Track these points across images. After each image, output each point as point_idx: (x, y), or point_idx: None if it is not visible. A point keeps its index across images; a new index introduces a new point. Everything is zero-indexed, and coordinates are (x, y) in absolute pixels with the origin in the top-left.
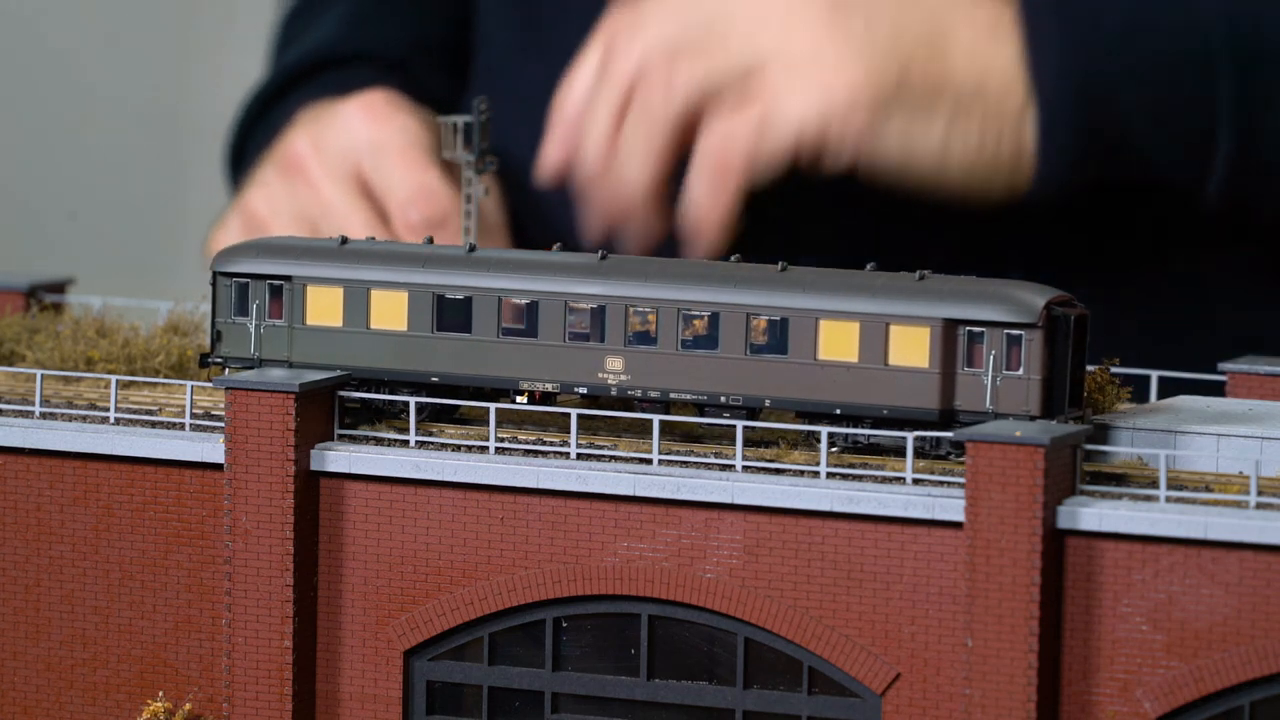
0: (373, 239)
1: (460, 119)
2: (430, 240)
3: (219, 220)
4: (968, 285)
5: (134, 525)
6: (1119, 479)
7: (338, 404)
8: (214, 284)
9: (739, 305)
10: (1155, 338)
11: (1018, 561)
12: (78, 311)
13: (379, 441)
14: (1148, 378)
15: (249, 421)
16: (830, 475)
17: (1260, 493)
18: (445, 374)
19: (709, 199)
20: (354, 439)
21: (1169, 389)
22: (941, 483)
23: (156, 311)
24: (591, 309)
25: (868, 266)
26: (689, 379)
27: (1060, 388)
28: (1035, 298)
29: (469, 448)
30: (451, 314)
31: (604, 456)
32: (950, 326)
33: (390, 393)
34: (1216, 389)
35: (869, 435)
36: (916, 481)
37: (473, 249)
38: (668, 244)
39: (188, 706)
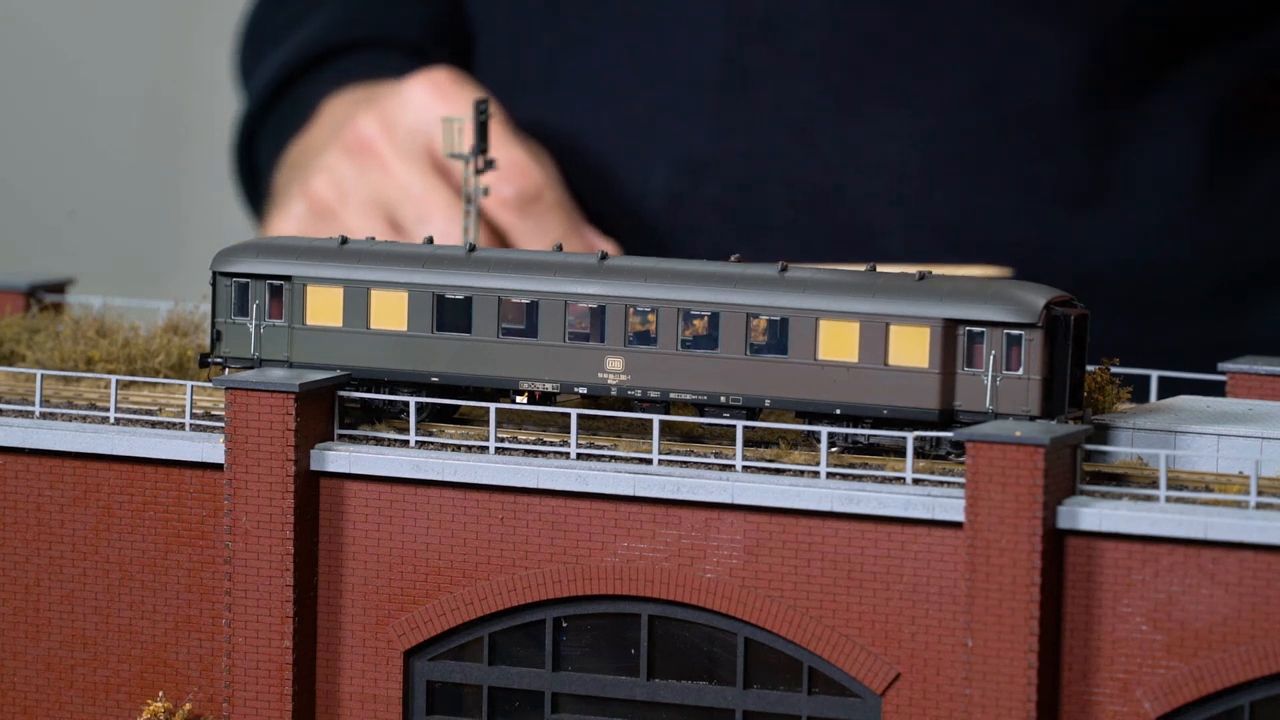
0: (372, 239)
1: (461, 119)
2: (430, 240)
3: (278, 208)
4: (968, 285)
5: (134, 525)
6: (1119, 479)
7: (338, 404)
8: (214, 284)
9: (739, 305)
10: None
11: (1018, 561)
12: (78, 311)
13: (379, 441)
14: (1148, 378)
15: (249, 421)
16: (830, 475)
17: (1260, 493)
18: (445, 374)
19: None
20: (354, 439)
21: (1169, 389)
22: (941, 483)
23: (156, 311)
24: (591, 309)
25: (867, 267)
26: (689, 379)
27: (1060, 388)
28: (1035, 297)
29: (469, 448)
30: (451, 314)
31: (604, 456)
32: (950, 326)
33: (390, 393)
34: (1216, 389)
35: (869, 435)
36: (916, 481)
37: (473, 249)
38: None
39: (188, 706)
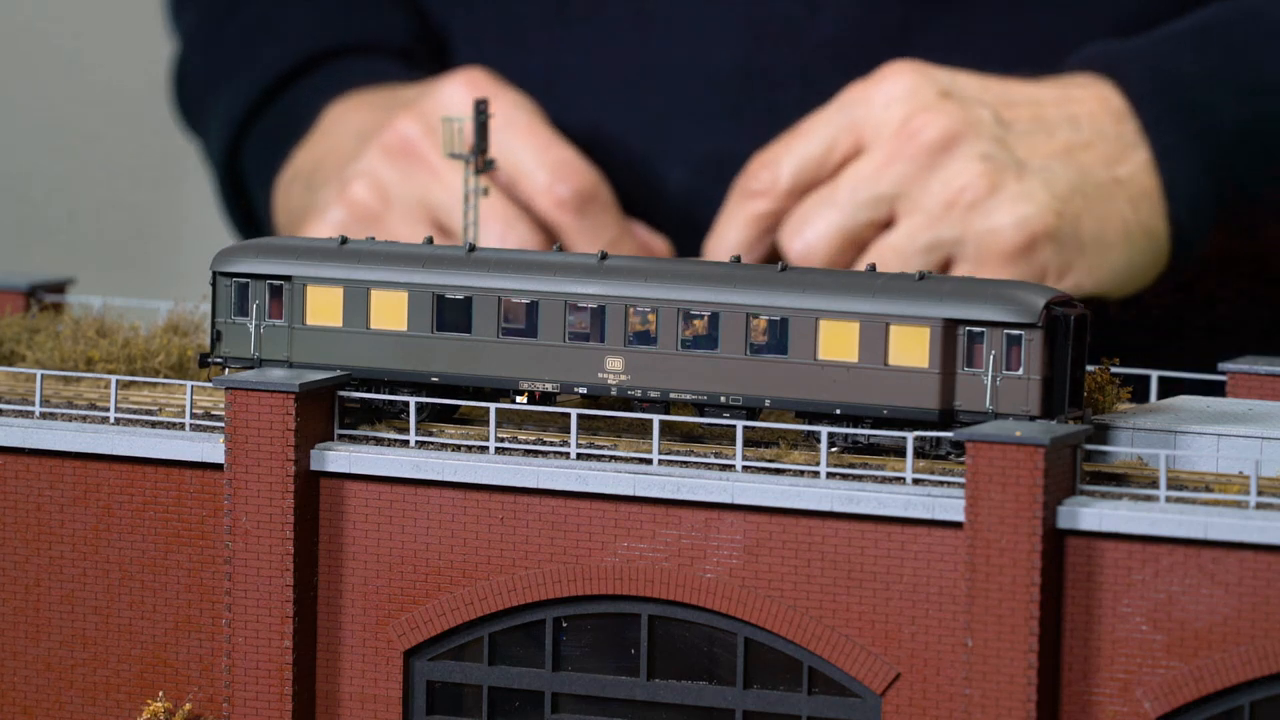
0: (372, 239)
1: (462, 119)
2: (430, 240)
3: (313, 215)
4: (967, 285)
5: (134, 525)
6: (1119, 479)
7: (338, 404)
8: (214, 284)
9: (739, 305)
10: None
11: (1018, 561)
12: (78, 311)
13: (379, 441)
14: (1148, 378)
15: (249, 421)
16: (830, 475)
17: (1260, 493)
18: (445, 374)
19: None
20: (354, 439)
21: (1169, 389)
22: (941, 483)
23: (156, 311)
24: (591, 309)
25: (867, 267)
26: (689, 379)
27: (1060, 388)
28: (1035, 298)
29: (469, 448)
30: (451, 314)
31: (604, 456)
32: (950, 326)
33: (390, 393)
34: (1217, 389)
35: (869, 435)
36: (916, 481)
37: (473, 249)
38: None
39: (188, 706)
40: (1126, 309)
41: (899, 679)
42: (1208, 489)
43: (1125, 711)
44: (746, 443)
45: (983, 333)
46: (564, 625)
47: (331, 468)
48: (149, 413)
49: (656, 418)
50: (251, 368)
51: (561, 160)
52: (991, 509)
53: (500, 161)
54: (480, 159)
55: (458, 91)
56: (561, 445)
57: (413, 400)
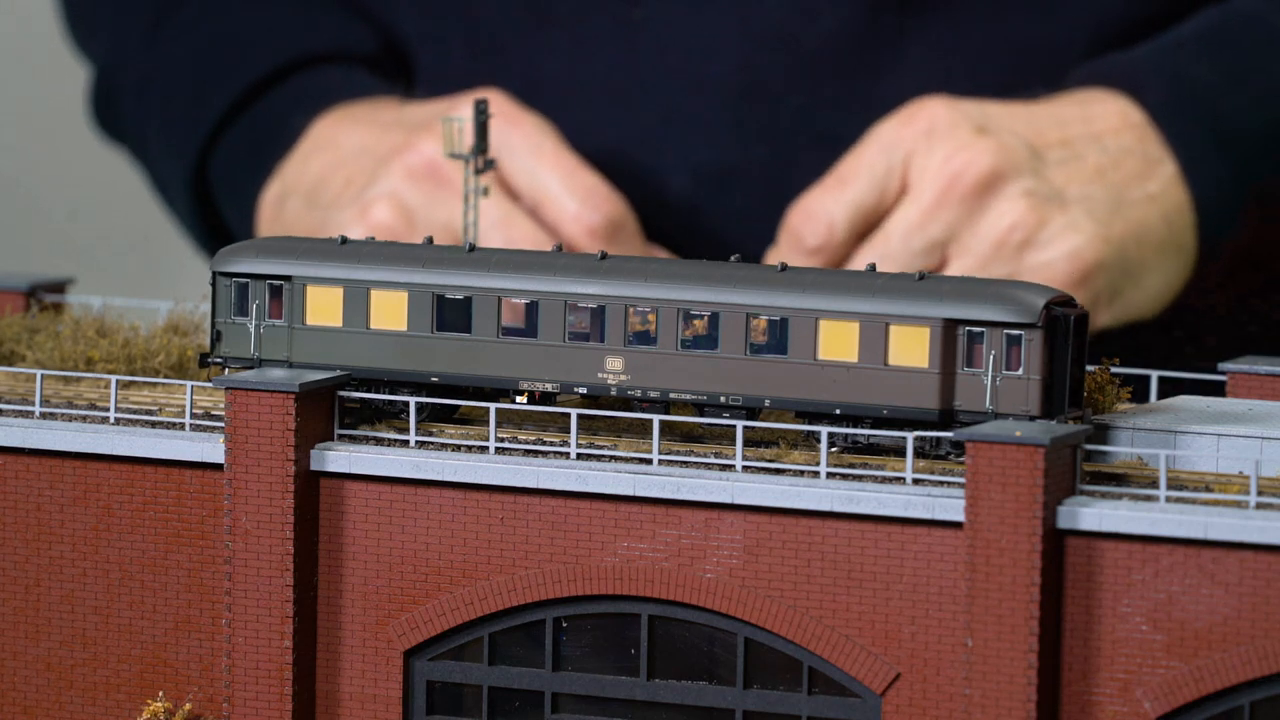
0: (372, 239)
1: (462, 119)
2: (430, 240)
3: (333, 233)
4: (967, 285)
5: (134, 525)
6: (1119, 479)
7: (338, 404)
8: (214, 284)
9: (739, 305)
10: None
11: (1018, 561)
12: (78, 311)
13: (379, 441)
14: (1148, 378)
15: (249, 421)
16: (830, 475)
17: (1260, 493)
18: (445, 374)
19: None
20: (354, 439)
21: (1169, 389)
22: (941, 483)
23: (156, 311)
24: (591, 309)
25: (867, 267)
26: (689, 379)
27: (1060, 388)
28: (1035, 298)
29: (469, 448)
30: (451, 314)
31: (604, 456)
32: (950, 326)
33: (390, 393)
34: (1217, 389)
35: (869, 435)
36: (916, 481)
37: (472, 249)
38: None
39: (188, 706)
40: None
41: (899, 679)
42: (1208, 489)
43: (1125, 711)
44: (746, 443)
45: (983, 333)
46: (564, 625)
47: (331, 468)
48: (149, 413)
49: (656, 418)
50: (251, 368)
51: (589, 188)
52: (991, 509)
53: (525, 186)
54: (480, 159)
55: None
56: (561, 445)
57: (413, 400)
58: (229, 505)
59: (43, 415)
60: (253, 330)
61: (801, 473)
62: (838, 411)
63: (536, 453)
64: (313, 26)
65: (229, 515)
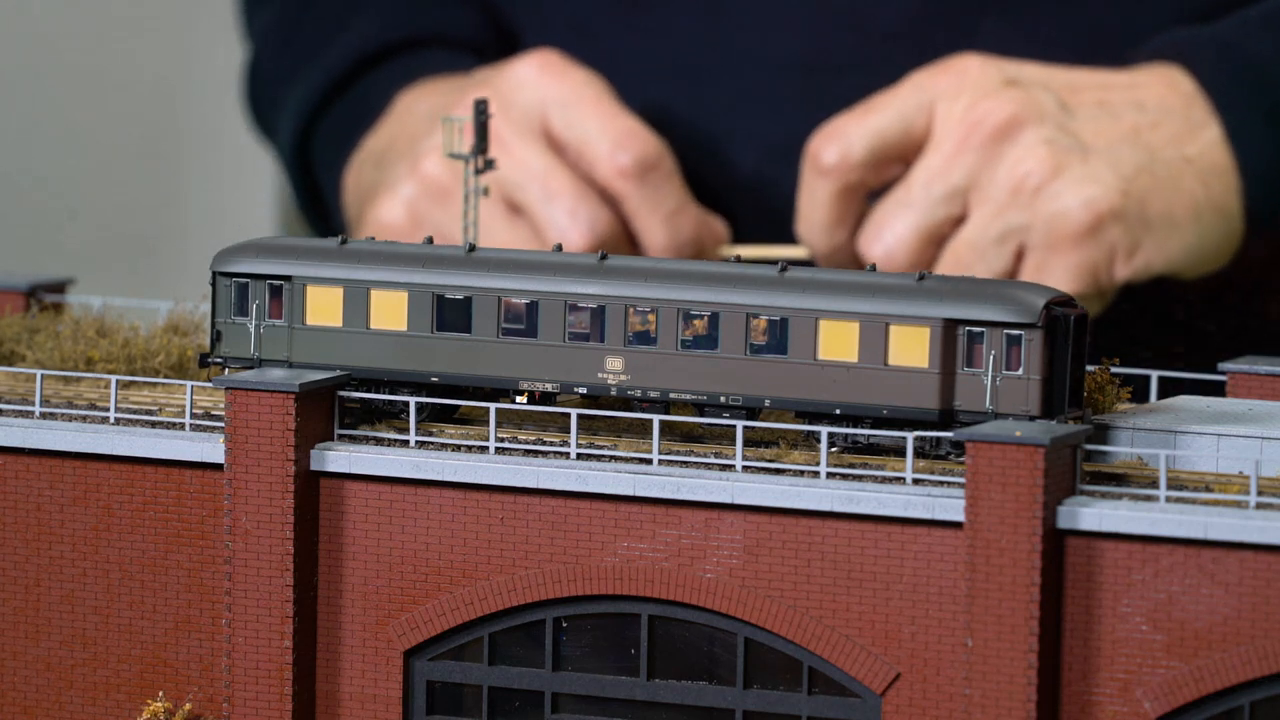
0: (372, 239)
1: (462, 119)
2: (430, 240)
3: (383, 191)
4: (967, 285)
5: (134, 525)
6: (1119, 479)
7: (338, 404)
8: (214, 284)
9: (739, 305)
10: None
11: (1018, 561)
12: (78, 311)
13: (379, 441)
14: (1148, 378)
15: (249, 421)
16: (830, 475)
17: (1260, 493)
18: (445, 374)
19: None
20: (354, 439)
21: (1169, 389)
22: (941, 483)
23: (156, 311)
24: (591, 309)
25: (867, 267)
26: (689, 379)
27: (1060, 388)
28: (1035, 298)
29: (469, 448)
30: (451, 314)
31: (604, 456)
32: (950, 326)
33: (390, 393)
34: (1217, 389)
35: (869, 435)
36: (916, 481)
37: (472, 249)
38: None
39: (188, 706)
40: (1201, 294)
41: (899, 679)
42: (1208, 489)
43: (1125, 711)
44: (746, 443)
45: (983, 333)
46: (564, 625)
47: (331, 468)
48: (149, 413)
49: (656, 418)
50: (251, 368)
51: (625, 129)
52: (991, 509)
53: (568, 136)
54: (480, 159)
55: (530, 71)
56: (561, 445)
57: (413, 400)
58: (229, 505)
59: (43, 415)
60: (253, 330)
61: (801, 473)
62: (838, 411)
63: (536, 453)
64: (419, 10)
65: (229, 515)
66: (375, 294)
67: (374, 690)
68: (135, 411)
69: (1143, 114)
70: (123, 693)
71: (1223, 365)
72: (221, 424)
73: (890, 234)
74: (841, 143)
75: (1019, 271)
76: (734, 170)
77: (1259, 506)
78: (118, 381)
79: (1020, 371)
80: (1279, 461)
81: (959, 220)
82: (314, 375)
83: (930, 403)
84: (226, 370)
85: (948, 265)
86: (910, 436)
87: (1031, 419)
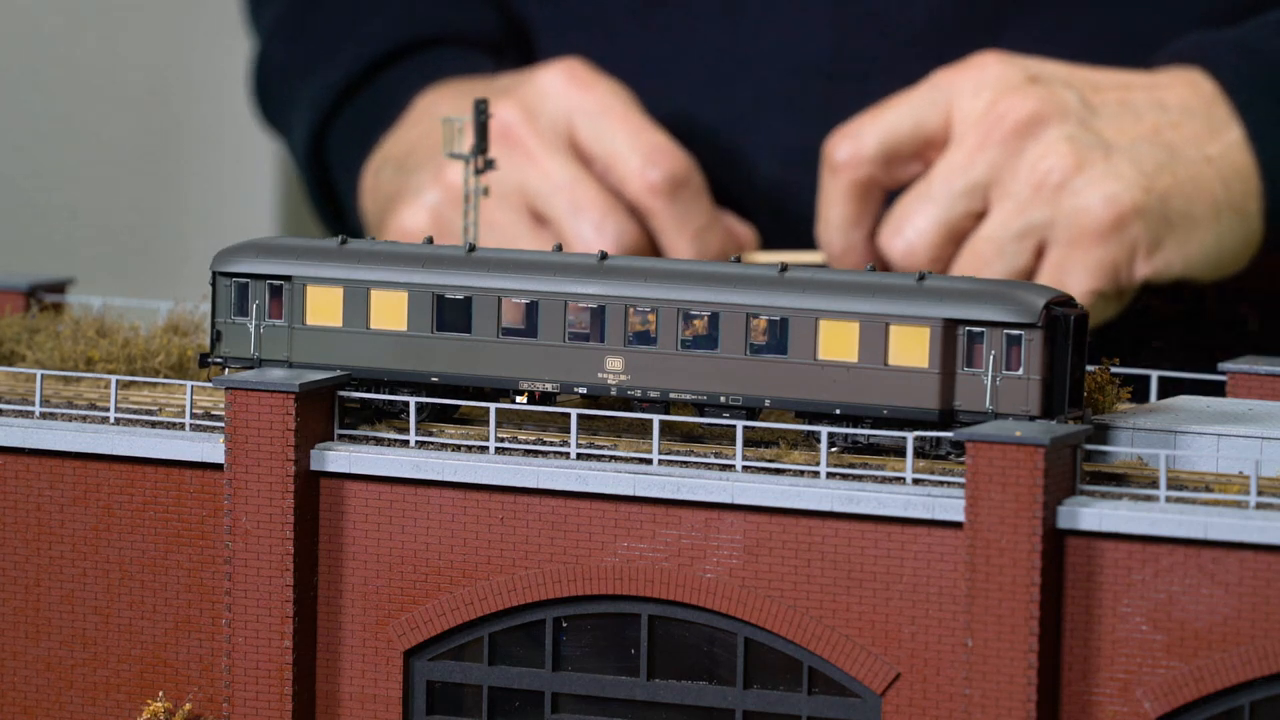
0: (372, 239)
1: (462, 119)
2: (430, 240)
3: (409, 197)
4: (967, 285)
5: (134, 525)
6: (1119, 479)
7: (338, 404)
8: (214, 284)
9: (739, 305)
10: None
11: (1018, 561)
12: (78, 311)
13: (379, 441)
14: (1148, 378)
15: (249, 421)
16: (830, 475)
17: (1260, 493)
18: (445, 374)
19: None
20: (354, 439)
21: (1169, 389)
22: (941, 483)
23: (156, 311)
24: (591, 309)
25: (867, 267)
26: (689, 379)
27: (1060, 388)
28: (1035, 298)
29: (469, 448)
30: (451, 314)
31: (604, 456)
32: (950, 326)
33: (390, 393)
34: (1217, 389)
35: (869, 435)
36: (916, 481)
37: (472, 249)
38: None
39: (188, 706)
40: (1227, 297)
41: (899, 679)
42: (1208, 489)
43: (1125, 711)
44: (746, 443)
45: (983, 333)
46: (564, 625)
47: (331, 468)
48: (149, 413)
49: (656, 418)
50: (251, 368)
51: (655, 145)
52: (991, 509)
53: (596, 148)
54: (480, 159)
55: (556, 80)
56: (561, 445)
57: (413, 400)
58: (229, 505)
59: (43, 415)
60: (253, 330)
61: (801, 473)
62: (838, 411)
63: (536, 453)
64: (434, 9)
65: (229, 515)
66: (375, 294)
67: (374, 690)
68: (135, 411)
69: (1164, 114)
70: (123, 693)
71: (1223, 365)
72: (221, 424)
73: (911, 229)
74: (854, 139)
75: (1039, 268)
76: (756, 176)
77: (1259, 506)
78: (118, 381)
79: (1020, 371)
80: (1279, 461)
81: (980, 215)
82: (314, 375)
83: (930, 403)
84: (226, 370)
85: (966, 261)
86: (910, 436)
87: (1031, 419)
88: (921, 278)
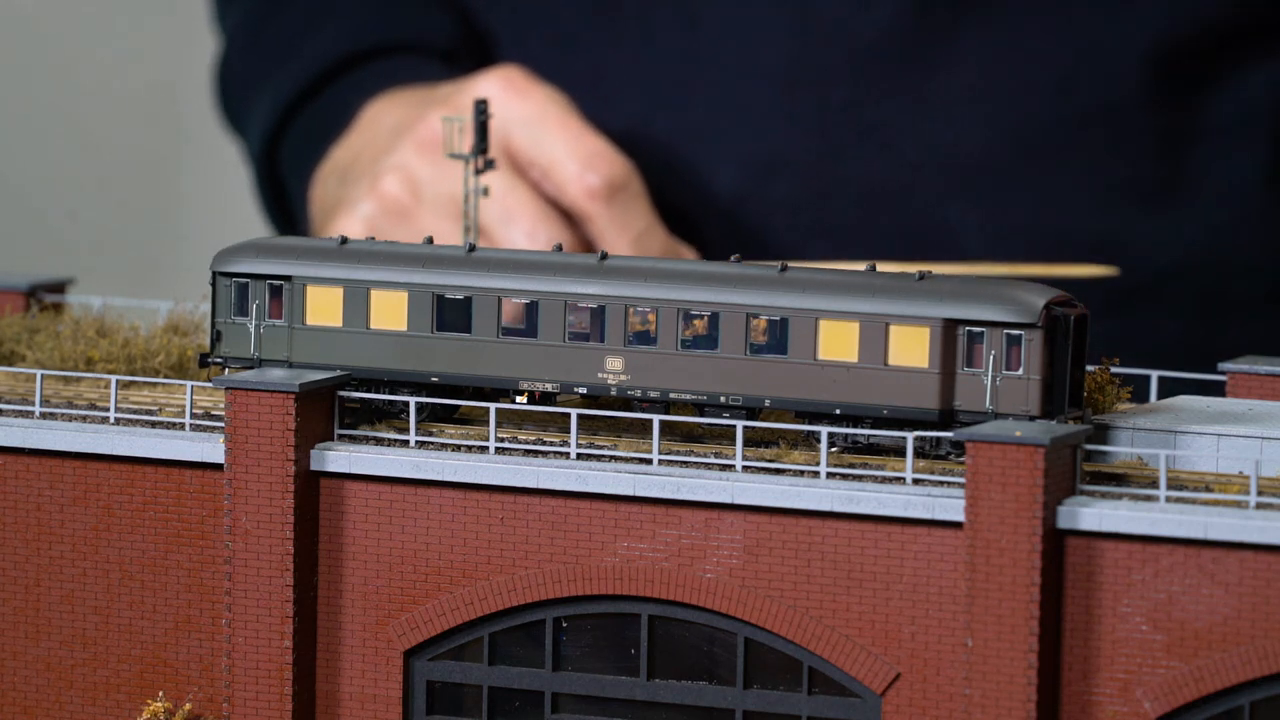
0: (372, 239)
1: (462, 119)
2: (430, 240)
3: (343, 209)
4: (967, 285)
5: (134, 525)
6: (1119, 479)
7: (338, 404)
8: (214, 284)
9: (739, 305)
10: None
11: (1018, 561)
12: (78, 311)
13: (379, 441)
14: (1148, 378)
15: (249, 421)
16: (830, 475)
17: (1260, 493)
18: (445, 374)
19: None
20: (354, 439)
21: (1169, 389)
22: (941, 483)
23: (156, 311)
24: (591, 309)
25: (867, 267)
26: (689, 379)
27: (1060, 388)
28: (1035, 298)
29: (469, 448)
30: (451, 314)
31: (604, 456)
32: (950, 326)
33: (390, 393)
34: (1217, 389)
35: (869, 435)
36: (916, 481)
37: (472, 249)
38: None
39: (188, 706)
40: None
41: (899, 679)
42: (1208, 489)
43: (1125, 711)
44: (746, 443)
45: (983, 333)
46: (564, 625)
47: (331, 468)
48: (149, 413)
49: (656, 418)
50: (251, 368)
51: (593, 150)
52: (991, 509)
53: (533, 155)
54: (480, 159)
55: (493, 87)
56: (561, 445)
57: (413, 400)
58: (229, 505)
59: (43, 415)
60: (253, 330)
61: (801, 473)
62: (838, 411)
63: (536, 453)
64: (389, 18)
65: (229, 515)
66: (375, 294)
67: (374, 690)
68: (135, 411)
69: None
70: (123, 693)
71: (1223, 365)
72: (221, 424)
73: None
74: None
75: None
76: (714, 184)
77: (1259, 506)
78: (118, 381)
79: (1020, 371)
80: (1279, 461)
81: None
82: (314, 375)
83: (930, 403)
84: (226, 370)
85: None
86: (910, 436)
87: (1031, 419)
88: (921, 277)
